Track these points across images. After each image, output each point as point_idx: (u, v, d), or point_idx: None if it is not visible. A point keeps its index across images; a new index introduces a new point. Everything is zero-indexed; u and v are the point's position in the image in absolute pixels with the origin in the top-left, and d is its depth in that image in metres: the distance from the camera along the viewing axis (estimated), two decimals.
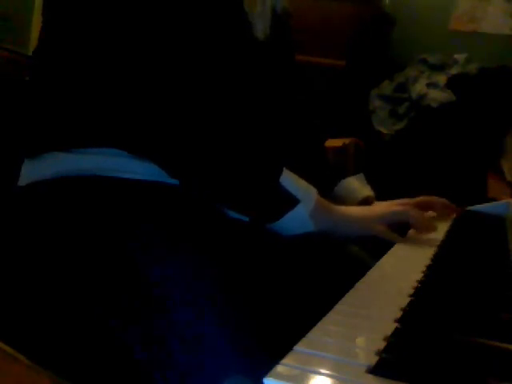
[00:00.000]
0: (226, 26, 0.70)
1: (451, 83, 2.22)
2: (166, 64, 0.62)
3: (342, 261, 0.78)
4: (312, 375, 0.34)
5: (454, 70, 2.28)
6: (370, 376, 0.34)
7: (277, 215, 0.68)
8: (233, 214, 0.70)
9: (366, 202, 0.91)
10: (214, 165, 0.64)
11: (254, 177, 0.66)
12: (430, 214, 0.91)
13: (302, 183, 0.70)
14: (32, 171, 0.69)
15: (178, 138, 0.62)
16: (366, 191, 0.93)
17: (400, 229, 0.79)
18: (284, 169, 0.68)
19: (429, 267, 0.61)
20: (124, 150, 0.65)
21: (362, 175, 0.96)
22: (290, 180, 0.68)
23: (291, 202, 0.68)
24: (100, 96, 0.64)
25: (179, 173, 0.66)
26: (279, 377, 0.33)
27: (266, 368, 0.34)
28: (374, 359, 0.36)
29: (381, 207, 0.80)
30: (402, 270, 0.62)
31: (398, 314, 0.44)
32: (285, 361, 0.35)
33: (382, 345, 0.38)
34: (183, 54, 0.63)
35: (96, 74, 0.63)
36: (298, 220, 0.69)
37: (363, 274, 0.57)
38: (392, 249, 0.72)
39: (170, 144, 0.63)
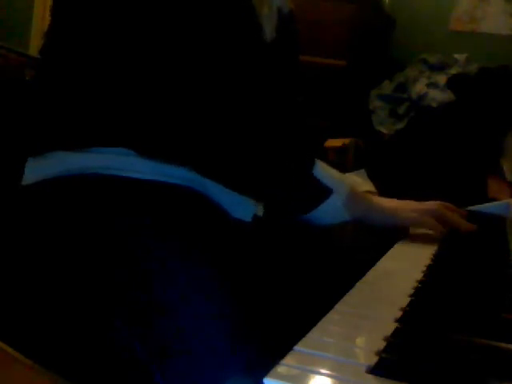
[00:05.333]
0: (238, 27, 0.69)
1: (451, 83, 2.22)
2: (181, 61, 0.61)
3: (342, 261, 0.78)
4: (312, 375, 0.34)
5: (453, 70, 2.28)
6: (370, 376, 0.34)
7: (311, 206, 0.70)
8: (234, 214, 0.70)
9: None
10: (248, 160, 0.65)
11: (288, 169, 0.67)
12: None
13: (335, 173, 0.72)
14: (36, 170, 0.69)
15: (208, 139, 0.63)
16: (367, 186, 0.93)
17: (401, 230, 0.79)
18: (317, 160, 0.68)
19: (429, 267, 0.61)
20: (135, 150, 0.65)
21: (363, 171, 0.97)
22: (323, 171, 0.69)
23: (325, 192, 0.69)
24: (108, 95, 0.64)
25: (212, 172, 0.66)
26: (279, 377, 0.33)
27: (266, 368, 0.34)
28: (373, 359, 0.36)
29: (412, 202, 0.81)
30: (402, 270, 0.62)
31: (398, 314, 0.44)
32: (285, 361, 0.35)
33: (382, 345, 0.38)
34: (197, 53, 0.63)
35: (106, 73, 0.63)
36: (332, 210, 0.70)
37: (363, 274, 0.57)
38: (392, 249, 0.72)
39: (201, 145, 0.64)
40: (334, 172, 0.72)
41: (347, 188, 0.72)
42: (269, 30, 0.74)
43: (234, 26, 0.67)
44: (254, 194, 0.70)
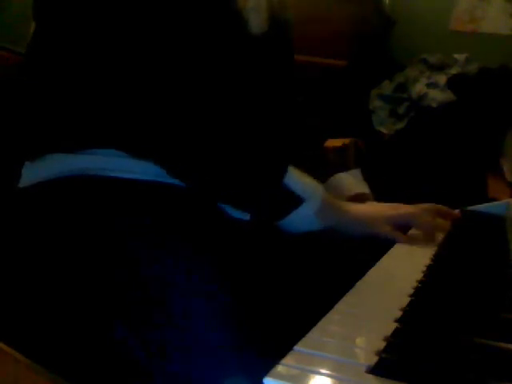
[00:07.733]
0: (216, 24, 0.69)
1: (451, 83, 2.22)
2: (163, 64, 0.62)
3: (342, 261, 0.78)
4: (312, 375, 0.34)
5: (453, 70, 2.28)
6: (370, 376, 0.34)
7: (281, 214, 0.69)
8: (233, 213, 0.70)
9: (357, 199, 0.90)
10: (216, 164, 0.64)
11: (257, 176, 0.67)
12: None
13: (309, 181, 0.71)
14: (33, 173, 0.69)
15: (179, 139, 0.62)
16: (359, 188, 0.92)
17: (400, 230, 0.79)
18: (290, 167, 0.68)
19: (429, 267, 0.61)
20: (124, 151, 0.65)
21: (357, 171, 0.95)
22: (296, 179, 0.69)
23: (295, 201, 0.69)
24: (98, 97, 0.64)
25: (181, 173, 0.66)
26: (279, 377, 0.33)
27: (266, 368, 0.34)
28: (373, 359, 0.36)
29: (388, 208, 0.79)
30: (402, 270, 0.62)
31: (398, 314, 0.44)
32: (285, 361, 0.35)
33: (381, 345, 0.38)
34: (180, 54, 0.63)
35: (95, 75, 0.63)
36: (304, 218, 0.70)
37: (363, 274, 0.57)
38: (392, 249, 0.72)
39: (172, 145, 0.63)
40: (308, 180, 0.71)
41: (320, 197, 0.71)
42: (256, 22, 0.73)
43: (209, 22, 0.67)
44: (223, 199, 0.69)
